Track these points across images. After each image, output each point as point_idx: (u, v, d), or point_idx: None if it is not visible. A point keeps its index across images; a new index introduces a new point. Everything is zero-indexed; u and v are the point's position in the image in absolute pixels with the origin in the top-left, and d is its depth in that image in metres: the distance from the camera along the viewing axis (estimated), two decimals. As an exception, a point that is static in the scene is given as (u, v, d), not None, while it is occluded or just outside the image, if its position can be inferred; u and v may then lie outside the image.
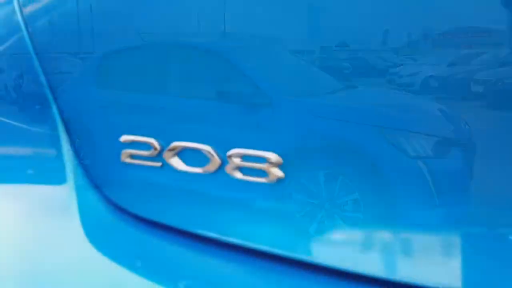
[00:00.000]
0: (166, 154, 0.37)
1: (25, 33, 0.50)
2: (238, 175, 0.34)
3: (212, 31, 0.35)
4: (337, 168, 0.31)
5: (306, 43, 0.31)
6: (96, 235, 0.40)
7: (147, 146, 0.38)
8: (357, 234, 0.31)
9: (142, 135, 0.39)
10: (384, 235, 0.31)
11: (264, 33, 0.33)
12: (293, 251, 0.34)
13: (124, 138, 0.40)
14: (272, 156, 0.33)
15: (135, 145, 0.40)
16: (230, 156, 0.34)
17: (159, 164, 0.38)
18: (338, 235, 0.32)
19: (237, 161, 0.34)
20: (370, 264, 0.32)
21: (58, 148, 0.45)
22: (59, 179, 0.44)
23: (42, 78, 0.49)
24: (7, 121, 0.51)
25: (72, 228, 0.40)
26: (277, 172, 0.32)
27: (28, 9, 0.49)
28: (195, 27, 0.36)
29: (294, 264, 0.35)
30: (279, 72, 0.34)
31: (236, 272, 0.36)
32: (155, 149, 0.38)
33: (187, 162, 0.37)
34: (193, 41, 0.36)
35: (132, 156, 0.39)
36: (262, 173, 0.33)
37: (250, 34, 0.35)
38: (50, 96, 0.48)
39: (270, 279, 0.35)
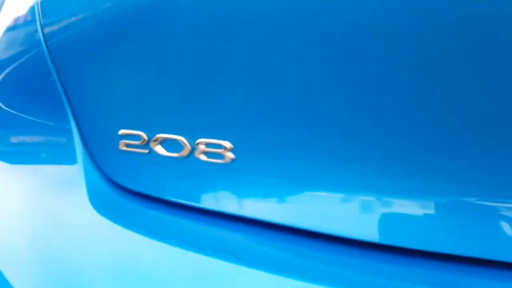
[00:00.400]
0: (152, 144, 0.48)
1: (44, 46, 0.58)
2: (204, 158, 0.46)
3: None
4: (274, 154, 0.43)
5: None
6: (98, 203, 0.51)
7: (138, 137, 0.49)
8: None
9: (135, 129, 0.50)
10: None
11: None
12: (247, 212, 0.45)
13: (122, 131, 0.50)
14: (227, 144, 0.44)
15: (129, 137, 0.50)
16: (197, 144, 0.46)
17: (146, 151, 0.49)
18: (275, 197, 0.44)
19: (202, 147, 0.46)
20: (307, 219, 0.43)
21: (70, 138, 0.56)
22: (71, 162, 0.55)
23: (58, 84, 0.58)
24: (31, 118, 0.61)
25: (80, 198, 0.51)
26: (229, 155, 0.44)
27: (48, 29, 0.58)
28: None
29: (253, 223, 0.46)
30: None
31: (205, 230, 0.48)
32: (144, 140, 0.48)
33: (167, 149, 0.47)
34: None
35: (127, 145, 0.51)
36: (220, 156, 0.45)
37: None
38: (64, 98, 0.57)
39: (231, 234, 0.47)
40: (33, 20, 0.60)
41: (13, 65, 0.64)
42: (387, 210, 0.40)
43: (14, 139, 0.64)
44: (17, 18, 0.64)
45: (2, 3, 0.72)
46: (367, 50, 0.37)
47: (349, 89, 0.38)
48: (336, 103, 0.39)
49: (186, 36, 0.43)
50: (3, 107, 0.67)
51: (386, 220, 0.40)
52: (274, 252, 0.45)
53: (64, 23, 0.57)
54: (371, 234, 0.41)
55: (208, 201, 0.47)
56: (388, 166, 0.39)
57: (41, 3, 0.59)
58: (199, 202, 0.47)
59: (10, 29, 0.65)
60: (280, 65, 0.39)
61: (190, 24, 0.42)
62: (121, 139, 0.51)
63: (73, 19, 0.55)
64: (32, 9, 0.61)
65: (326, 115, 0.39)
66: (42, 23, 0.59)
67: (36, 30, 0.59)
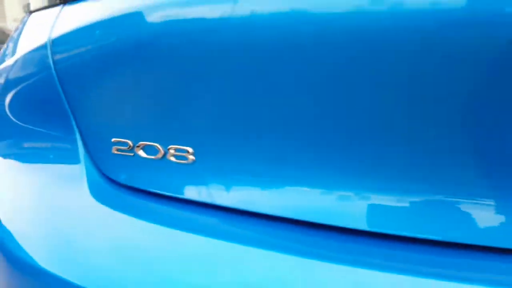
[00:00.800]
0: (136, 149, 0.62)
1: (53, 70, 0.68)
2: (173, 159, 0.61)
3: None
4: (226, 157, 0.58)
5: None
6: (96, 194, 0.65)
7: (126, 144, 0.63)
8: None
9: (124, 138, 0.64)
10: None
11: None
12: (205, 198, 0.59)
13: (114, 139, 0.64)
14: (189, 149, 0.60)
15: (119, 144, 0.64)
16: (169, 149, 0.62)
17: (132, 154, 0.63)
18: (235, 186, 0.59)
19: (172, 152, 0.61)
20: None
21: (75, 145, 0.69)
22: (75, 162, 0.68)
23: (65, 102, 0.69)
24: (43, 130, 0.74)
25: (83, 189, 0.65)
26: (191, 157, 0.60)
27: (56, 56, 0.68)
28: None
29: (213, 207, 0.60)
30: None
31: (177, 212, 0.61)
32: (130, 146, 0.62)
33: (147, 153, 0.61)
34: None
35: (118, 150, 0.66)
36: (185, 157, 0.61)
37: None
38: (70, 113, 0.68)
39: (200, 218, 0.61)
40: (45, 48, 0.70)
41: (28, 86, 0.75)
42: (318, 192, 0.54)
43: (30, 145, 0.79)
44: (32, 46, 0.74)
45: (20, 33, 0.86)
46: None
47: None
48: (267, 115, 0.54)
49: (159, 73, 0.59)
50: (18, 121, 0.80)
51: (320, 200, 0.53)
52: (228, 227, 0.60)
53: (70, 53, 0.68)
54: (301, 212, 0.55)
55: (177, 191, 0.62)
56: (322, 161, 0.53)
57: (53, 37, 0.70)
58: (171, 192, 0.62)
59: (26, 54, 0.75)
60: (222, 99, 0.55)
61: (164, 63, 0.58)
62: (113, 145, 0.64)
63: (77, 50, 0.66)
64: (44, 40, 0.70)
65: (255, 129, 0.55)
66: (52, 51, 0.69)
67: (47, 56, 0.69)
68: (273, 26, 0.49)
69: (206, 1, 0.54)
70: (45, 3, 0.74)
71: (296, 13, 0.48)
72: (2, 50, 0.88)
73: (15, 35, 0.87)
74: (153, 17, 0.58)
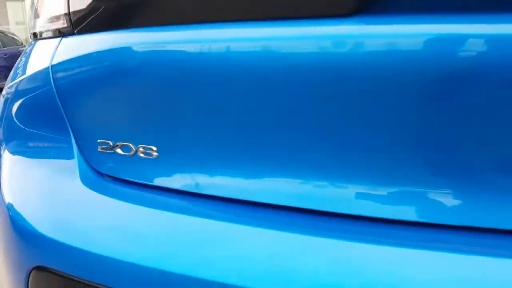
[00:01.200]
0: (115, 147, 0.82)
1: (53, 86, 0.82)
2: (142, 155, 0.81)
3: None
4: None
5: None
6: (87, 182, 0.79)
7: (108, 144, 0.83)
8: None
9: (106, 139, 0.84)
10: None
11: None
12: (167, 184, 0.80)
13: (99, 140, 0.84)
14: (154, 148, 0.80)
15: (103, 144, 0.85)
16: (139, 147, 0.82)
17: (112, 151, 0.82)
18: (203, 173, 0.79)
19: (141, 149, 0.81)
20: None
21: (70, 145, 0.82)
22: (70, 158, 0.82)
23: (62, 111, 0.81)
24: (44, 133, 0.88)
25: (75, 179, 0.80)
26: (155, 153, 0.80)
27: (57, 75, 0.81)
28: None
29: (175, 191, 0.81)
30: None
31: (147, 195, 0.81)
32: (110, 145, 0.81)
33: (123, 151, 0.80)
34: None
35: (102, 148, 0.86)
36: (150, 154, 0.81)
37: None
38: (66, 120, 0.81)
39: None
40: (47, 68, 0.84)
41: (33, 97, 0.88)
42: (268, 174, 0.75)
43: (34, 144, 0.98)
44: (38, 67, 0.88)
45: (28, 56, 1.06)
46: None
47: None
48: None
49: (130, 94, 0.79)
50: (25, 125, 0.92)
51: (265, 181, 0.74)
52: (189, 206, 0.79)
53: (66, 73, 0.82)
54: (245, 193, 0.76)
55: (146, 179, 0.80)
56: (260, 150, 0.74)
57: (54, 61, 0.84)
58: (142, 180, 0.80)
59: (33, 73, 0.89)
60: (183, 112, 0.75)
61: (134, 86, 0.78)
62: (99, 145, 0.78)
63: (72, 72, 0.81)
64: (47, 62, 0.84)
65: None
66: (53, 71, 0.82)
67: (49, 74, 0.83)
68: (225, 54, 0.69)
69: (174, 39, 0.74)
70: (50, 34, 0.94)
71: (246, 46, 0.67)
72: (15, 65, 1.08)
73: (27, 51, 1.06)
74: (128, 51, 0.78)
